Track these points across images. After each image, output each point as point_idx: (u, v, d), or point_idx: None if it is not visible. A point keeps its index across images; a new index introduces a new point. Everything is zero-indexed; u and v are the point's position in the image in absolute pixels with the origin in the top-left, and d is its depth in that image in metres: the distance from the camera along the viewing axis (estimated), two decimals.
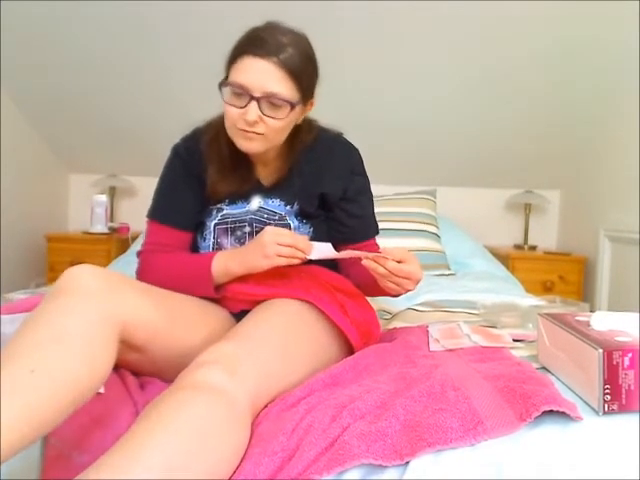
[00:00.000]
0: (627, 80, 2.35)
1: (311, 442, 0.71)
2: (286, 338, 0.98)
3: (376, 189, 1.63)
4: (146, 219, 1.22)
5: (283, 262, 1.04)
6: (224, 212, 1.19)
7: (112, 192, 3.05)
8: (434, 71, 2.46)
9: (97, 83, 2.62)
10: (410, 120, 2.67)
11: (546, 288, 2.66)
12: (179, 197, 1.20)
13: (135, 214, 3.09)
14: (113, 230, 2.87)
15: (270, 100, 1.03)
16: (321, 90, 1.15)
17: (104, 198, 2.82)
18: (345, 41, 2.29)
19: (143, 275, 1.15)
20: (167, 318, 0.99)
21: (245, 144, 1.08)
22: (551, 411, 0.72)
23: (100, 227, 2.80)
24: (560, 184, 3.01)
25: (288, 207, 1.19)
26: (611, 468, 0.65)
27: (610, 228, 2.53)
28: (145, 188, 3.10)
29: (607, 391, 0.73)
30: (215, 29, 2.26)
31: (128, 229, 2.91)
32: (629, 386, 0.73)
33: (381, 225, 1.31)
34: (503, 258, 2.68)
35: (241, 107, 1.03)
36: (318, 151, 1.17)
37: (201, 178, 1.18)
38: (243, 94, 1.03)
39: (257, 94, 1.02)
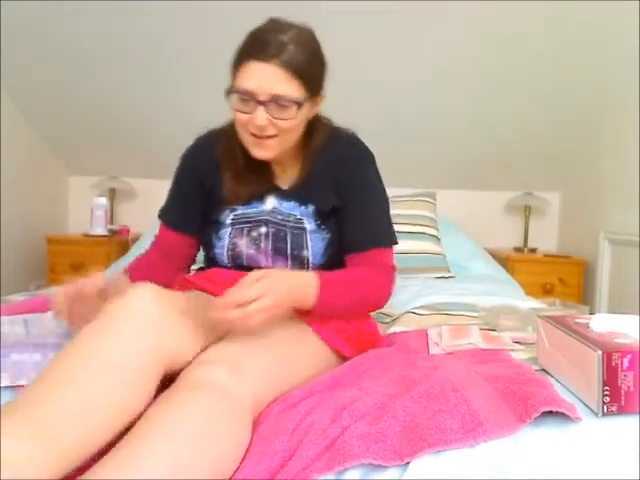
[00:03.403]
0: (627, 80, 2.35)
1: (311, 442, 0.71)
2: (288, 342, 0.98)
3: None
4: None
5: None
6: (238, 212, 1.18)
7: (112, 194, 3.05)
8: (434, 72, 2.46)
9: (97, 84, 2.62)
10: (410, 122, 2.67)
11: (546, 291, 2.66)
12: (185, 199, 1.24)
13: (135, 216, 3.09)
14: (113, 232, 2.87)
15: (277, 102, 1.02)
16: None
17: (104, 200, 2.82)
18: (345, 41, 2.29)
19: None
20: (200, 341, 0.93)
21: (259, 152, 1.09)
22: (550, 412, 0.72)
23: (100, 229, 2.80)
24: (560, 186, 3.02)
25: (302, 207, 1.16)
26: (610, 469, 0.65)
27: (610, 230, 2.53)
28: (145, 190, 3.10)
29: (606, 393, 0.73)
30: (217, 29, 2.27)
31: (128, 231, 2.92)
32: (628, 388, 0.73)
33: None
34: (503, 260, 2.68)
35: (249, 113, 1.03)
36: (333, 152, 1.16)
37: (210, 178, 1.19)
38: (250, 100, 1.02)
39: (263, 98, 1.01)
